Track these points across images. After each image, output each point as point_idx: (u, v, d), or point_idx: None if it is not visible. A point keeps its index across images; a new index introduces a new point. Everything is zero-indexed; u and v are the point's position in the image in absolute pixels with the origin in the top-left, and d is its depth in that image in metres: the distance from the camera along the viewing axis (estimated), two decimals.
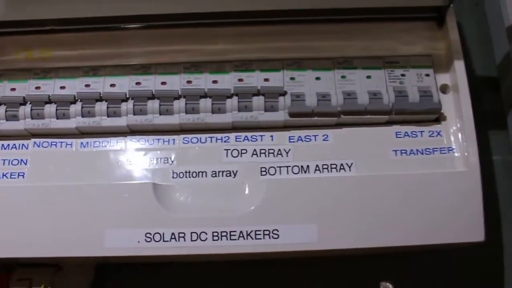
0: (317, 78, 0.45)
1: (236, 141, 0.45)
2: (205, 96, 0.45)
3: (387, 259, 0.48)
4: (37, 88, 0.46)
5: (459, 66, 0.45)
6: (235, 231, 0.42)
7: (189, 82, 0.45)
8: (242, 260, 0.47)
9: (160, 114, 0.44)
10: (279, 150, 0.44)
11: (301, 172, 0.44)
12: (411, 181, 0.43)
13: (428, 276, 0.49)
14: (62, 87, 0.46)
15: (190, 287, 0.49)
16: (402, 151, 0.45)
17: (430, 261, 0.49)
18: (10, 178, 0.44)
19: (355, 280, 0.48)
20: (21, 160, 0.45)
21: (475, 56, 0.55)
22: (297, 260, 0.48)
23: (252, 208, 0.42)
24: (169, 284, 0.48)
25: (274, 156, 0.44)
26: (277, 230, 0.42)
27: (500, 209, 0.51)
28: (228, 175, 0.44)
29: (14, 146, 0.45)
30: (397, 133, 0.45)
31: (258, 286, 0.49)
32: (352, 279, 0.48)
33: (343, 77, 0.46)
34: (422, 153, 0.45)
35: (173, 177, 0.44)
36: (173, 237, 0.41)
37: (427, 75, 0.46)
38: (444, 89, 0.46)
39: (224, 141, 0.45)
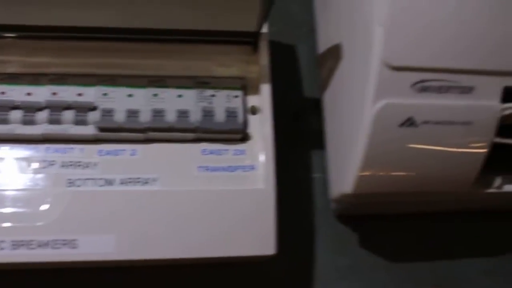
0: (130, 95, 0.47)
1: (46, 152, 0.46)
2: (17, 108, 0.46)
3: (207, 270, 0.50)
4: None
5: (266, 89, 0.48)
6: (33, 241, 0.43)
7: (3, 93, 0.46)
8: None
9: None
10: (88, 163, 0.46)
11: (107, 185, 0.46)
12: (211, 196, 0.45)
13: None
14: None
15: None
16: (207, 168, 0.47)
17: (242, 274, 0.51)
18: None
19: None
20: None
21: (306, 79, 0.59)
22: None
23: (53, 218, 0.43)
24: None
25: (82, 168, 0.46)
26: (76, 240, 0.43)
27: (316, 223, 0.54)
28: (34, 186, 0.45)
29: None
30: (203, 151, 0.48)
31: None
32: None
33: (155, 95, 0.48)
34: (226, 170, 0.47)
35: None
36: None
37: (236, 96, 0.49)
38: (254, 110, 0.49)
39: (34, 152, 0.46)
